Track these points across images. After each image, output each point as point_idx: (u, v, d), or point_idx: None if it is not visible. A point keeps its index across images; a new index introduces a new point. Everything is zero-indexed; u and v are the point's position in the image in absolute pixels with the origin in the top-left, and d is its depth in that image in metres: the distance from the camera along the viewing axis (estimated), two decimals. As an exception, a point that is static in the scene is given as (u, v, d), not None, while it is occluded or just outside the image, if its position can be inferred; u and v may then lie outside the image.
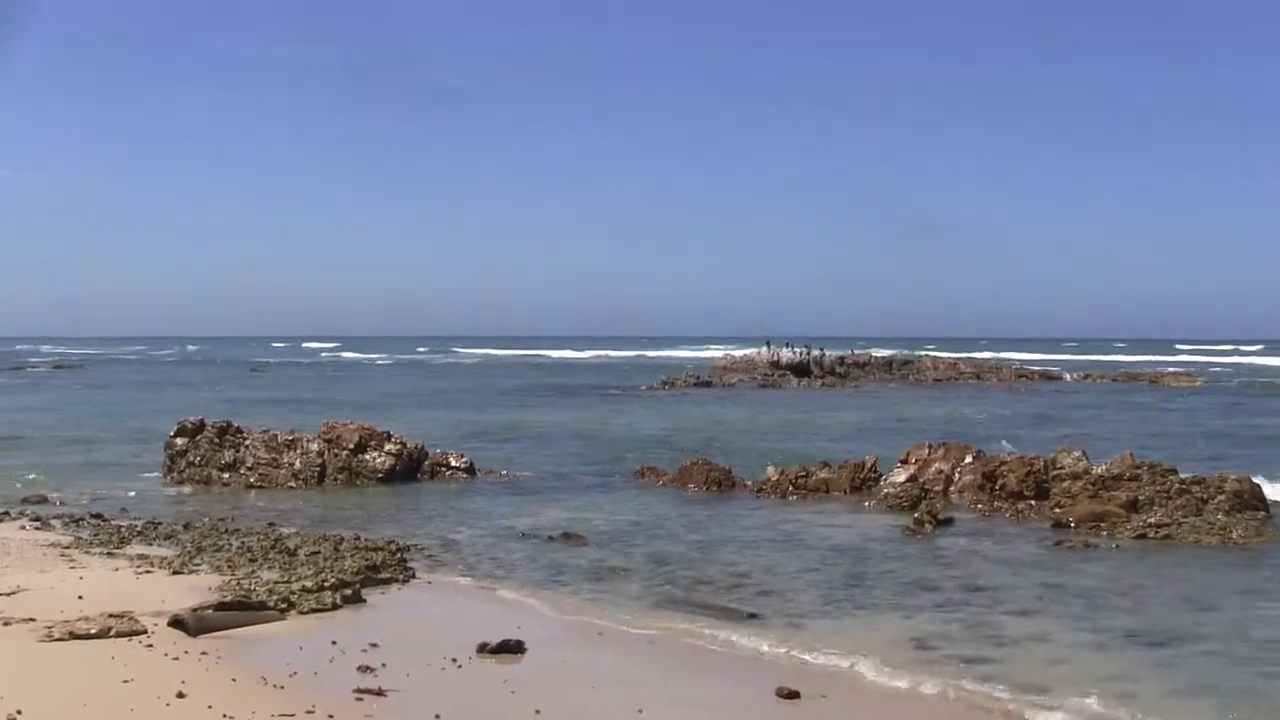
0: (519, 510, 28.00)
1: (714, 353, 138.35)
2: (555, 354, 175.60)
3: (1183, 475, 27.52)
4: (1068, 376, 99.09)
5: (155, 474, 33.53)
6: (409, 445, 33.85)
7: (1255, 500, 26.27)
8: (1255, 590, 19.96)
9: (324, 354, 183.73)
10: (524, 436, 45.92)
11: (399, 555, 21.80)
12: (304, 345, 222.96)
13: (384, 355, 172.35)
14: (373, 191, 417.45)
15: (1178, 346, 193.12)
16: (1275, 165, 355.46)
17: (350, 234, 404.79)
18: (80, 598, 17.44)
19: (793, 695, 13.86)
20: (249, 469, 32.75)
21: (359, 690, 13.48)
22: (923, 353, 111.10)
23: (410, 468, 33.38)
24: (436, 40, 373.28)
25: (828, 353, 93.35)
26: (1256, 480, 27.21)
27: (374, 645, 15.40)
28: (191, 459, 33.10)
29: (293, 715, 12.47)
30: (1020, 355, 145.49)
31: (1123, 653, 16.02)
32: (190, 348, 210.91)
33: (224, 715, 12.31)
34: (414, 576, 20.50)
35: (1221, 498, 26.00)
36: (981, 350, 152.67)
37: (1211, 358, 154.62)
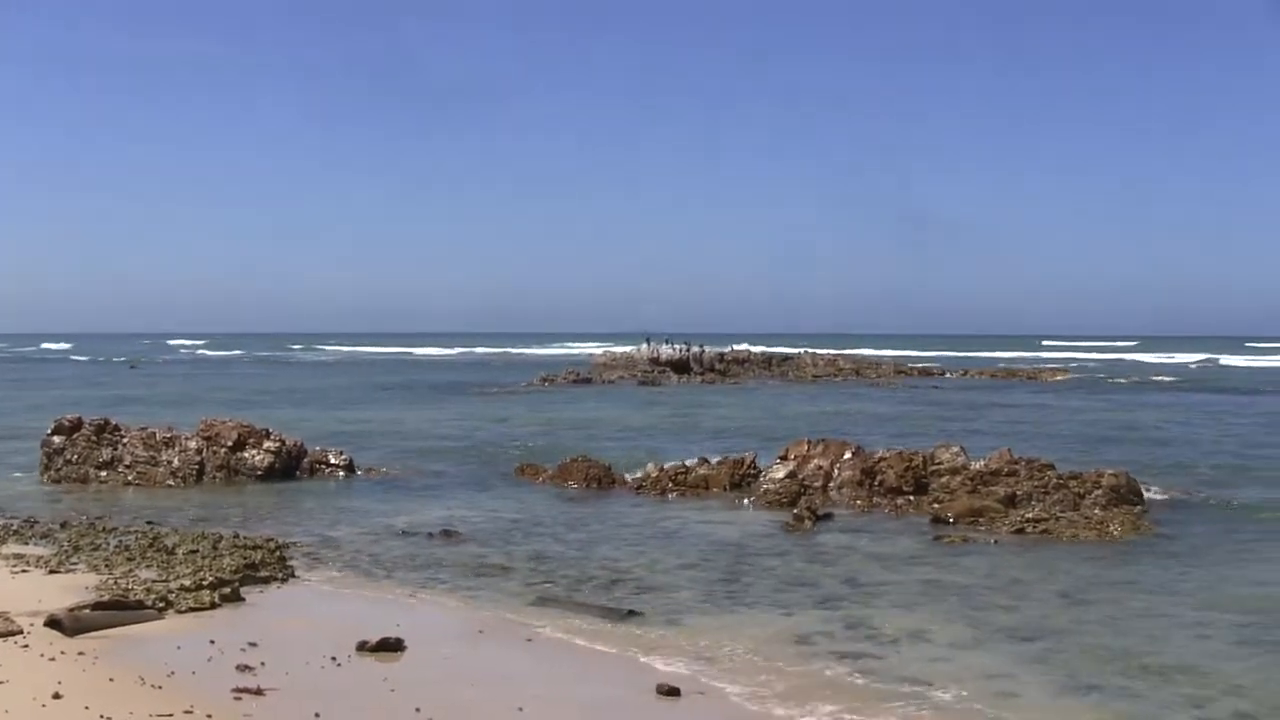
0: (398, 508, 27.86)
1: (576, 350, 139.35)
2: (420, 351, 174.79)
3: (1060, 470, 27.97)
4: (948, 374, 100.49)
5: (31, 473, 32.99)
6: (288, 443, 33.57)
7: (1132, 495, 26.74)
8: (1131, 583, 20.27)
9: (184, 350, 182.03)
10: (404, 434, 45.62)
11: (278, 553, 21.64)
12: (168, 342, 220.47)
13: (245, 351, 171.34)
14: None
15: (1044, 343, 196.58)
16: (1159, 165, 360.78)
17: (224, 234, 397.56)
18: (-49, 598, 17.17)
19: (673, 692, 13.90)
20: (127, 467, 32.31)
21: (238, 689, 13.36)
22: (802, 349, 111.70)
23: (289, 465, 33.10)
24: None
25: (707, 349, 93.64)
26: (1132, 475, 27.82)
27: (253, 644, 15.28)
28: (69, 457, 32.60)
29: (170, 715, 12.33)
30: (921, 352, 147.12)
31: (1001, 648, 16.21)
32: (52, 345, 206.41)
33: (101, 716, 12.14)
34: (293, 575, 20.36)
35: (1099, 492, 26.43)
36: (869, 347, 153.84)
37: (1085, 354, 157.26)
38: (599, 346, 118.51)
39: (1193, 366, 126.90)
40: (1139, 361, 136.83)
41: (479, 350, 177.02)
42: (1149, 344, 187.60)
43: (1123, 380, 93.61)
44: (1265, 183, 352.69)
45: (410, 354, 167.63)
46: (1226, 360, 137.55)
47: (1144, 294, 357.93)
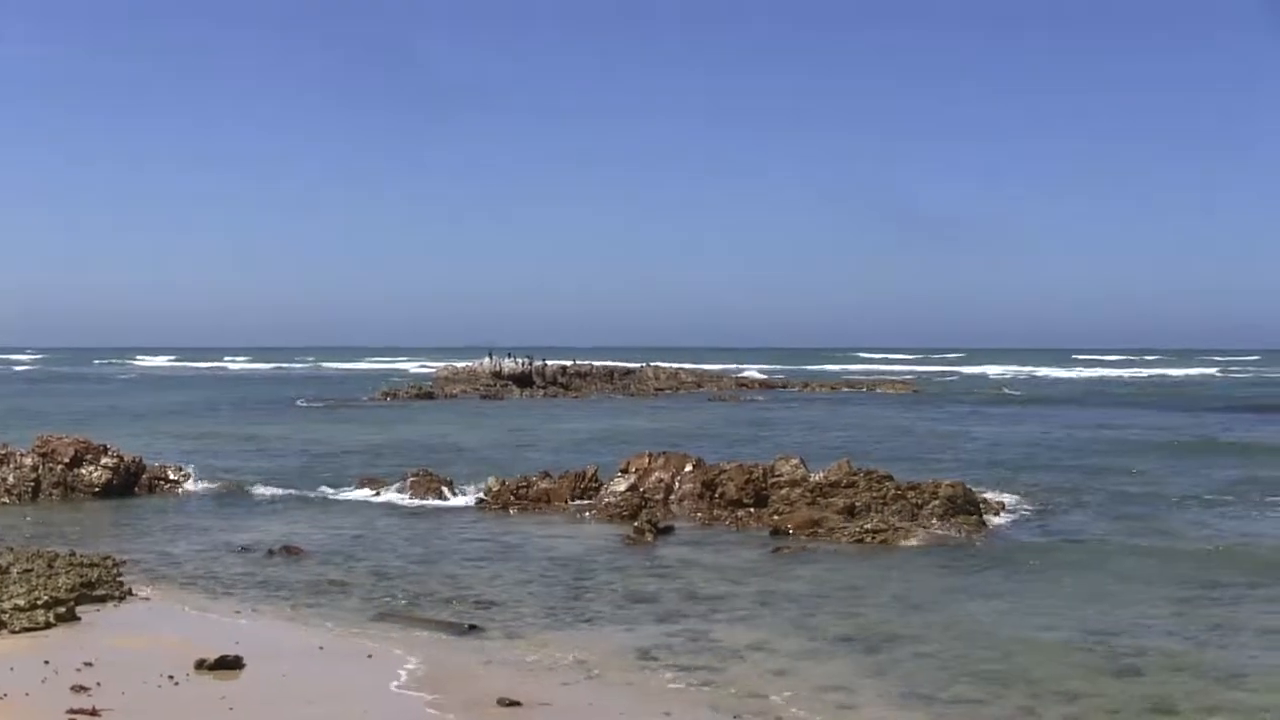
0: (239, 524, 27.59)
1: (410, 365, 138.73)
2: (234, 365, 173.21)
3: (898, 481, 28.45)
4: (789, 386, 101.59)
5: None
6: (127, 458, 33.07)
7: (968, 504, 27.27)
8: (967, 591, 20.70)
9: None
10: (244, 449, 45.14)
11: (115, 571, 21.31)
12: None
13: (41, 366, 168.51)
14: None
15: (861, 355, 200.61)
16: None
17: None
18: None
19: (513, 705, 13.96)
20: (-41, 486, 31.60)
21: (72, 711, 13.18)
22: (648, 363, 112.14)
23: (128, 481, 32.60)
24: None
25: (549, 363, 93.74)
26: (969, 485, 28.42)
27: (88, 664, 15.05)
28: (-103, 474, 31.82)
29: (2, 739, 12.19)
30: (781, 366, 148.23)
31: (840, 659, 16.43)
32: None
33: (-72, 741, 11.98)
34: (131, 593, 20.03)
35: (936, 503, 26.91)
36: (714, 361, 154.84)
37: (924, 366, 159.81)
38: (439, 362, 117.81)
39: (1022, 378, 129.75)
40: (971, 373, 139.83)
41: (295, 364, 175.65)
42: (975, 356, 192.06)
43: (964, 394, 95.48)
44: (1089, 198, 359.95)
45: (225, 368, 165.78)
46: (1049, 372, 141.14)
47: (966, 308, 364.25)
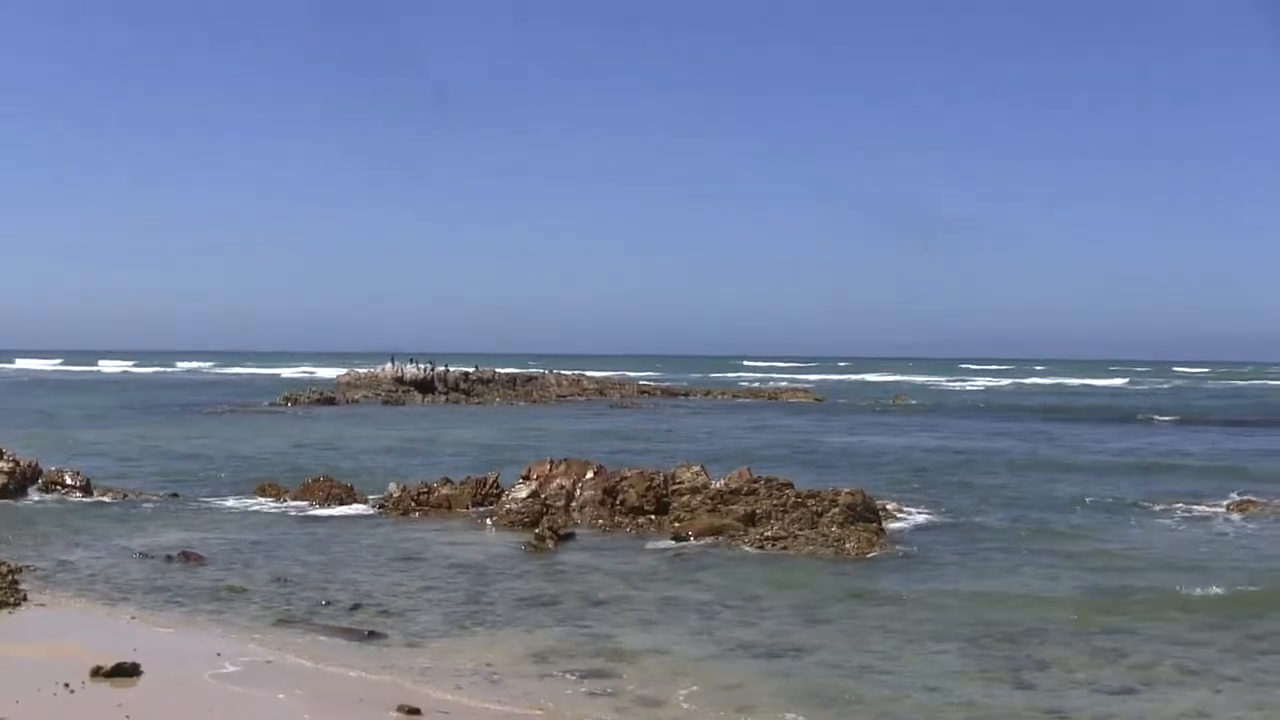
0: (136, 529, 27.31)
1: (312, 370, 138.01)
2: (110, 366, 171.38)
3: (799, 489, 28.65)
4: (691, 394, 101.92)
5: None
6: (21, 463, 32.66)
7: (868, 512, 27.50)
8: (866, 598, 20.87)
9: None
10: (142, 454, 44.70)
11: (10, 578, 20.98)
12: None
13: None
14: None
15: (746, 363, 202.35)
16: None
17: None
18: None
19: (414, 712, 13.96)
20: None
21: (-36, 719, 13.09)
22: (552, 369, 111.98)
23: (22, 486, 32.17)
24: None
25: (452, 369, 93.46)
26: (868, 493, 28.68)
27: (-20, 672, 14.95)
28: None
29: (-108, 748, 12.04)
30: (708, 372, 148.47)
31: (739, 664, 16.57)
32: None
33: None
34: (26, 599, 19.80)
35: (836, 510, 27.10)
36: (617, 368, 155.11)
37: (817, 375, 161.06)
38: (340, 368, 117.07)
39: (917, 388, 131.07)
40: (870, 382, 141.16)
41: (191, 366, 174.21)
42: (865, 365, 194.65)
43: (864, 402, 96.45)
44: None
45: (108, 371, 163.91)
46: (944, 382, 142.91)
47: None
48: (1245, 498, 32.79)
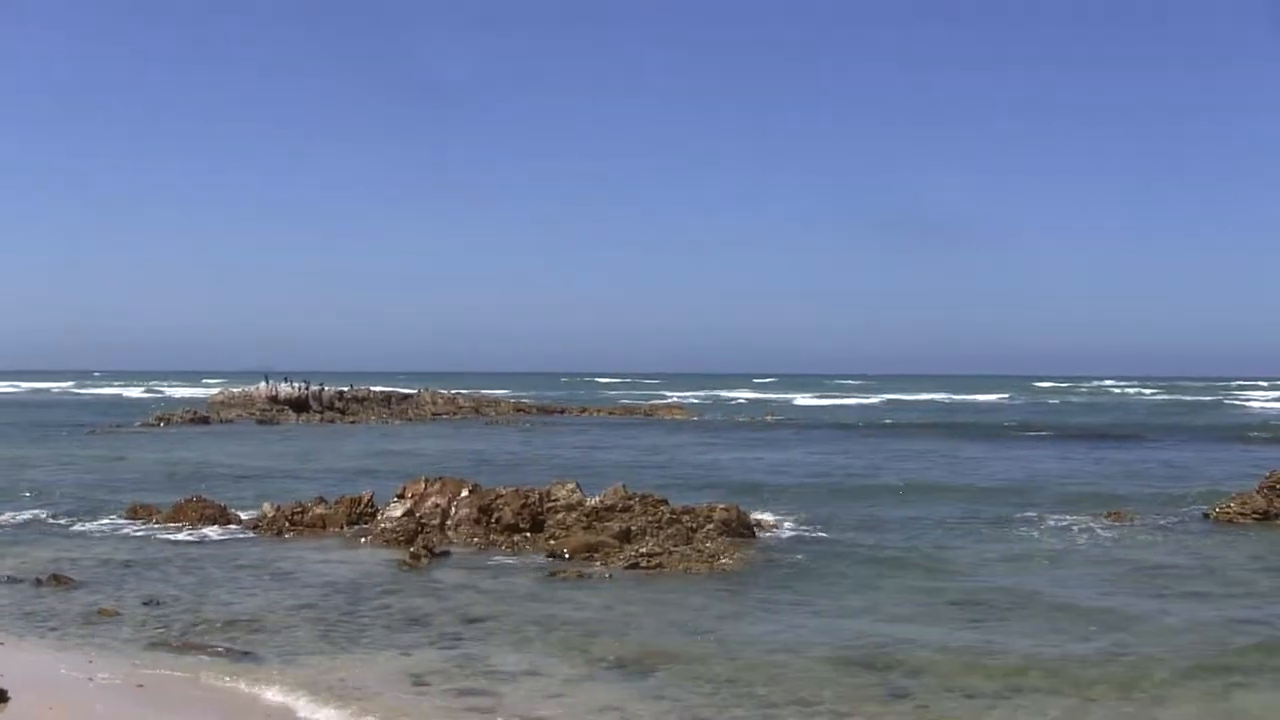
0: (3, 553, 26.85)
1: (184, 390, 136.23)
2: None
3: (674, 505, 28.88)
4: (566, 411, 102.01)
5: None
6: (-119, 486, 32.12)
7: (743, 528, 27.81)
8: (741, 614, 21.07)
9: None
10: (8, 474, 43.97)
11: None
12: None
13: None
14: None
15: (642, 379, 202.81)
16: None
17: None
18: None
19: (288, 733, 14.02)
20: None
21: None
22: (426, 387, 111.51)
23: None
24: None
25: (326, 388, 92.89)
26: (743, 508, 28.99)
27: None
28: None
29: None
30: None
31: (615, 682, 16.62)
32: None
33: None
34: (-113, 626, 19.57)
35: (710, 526, 27.36)
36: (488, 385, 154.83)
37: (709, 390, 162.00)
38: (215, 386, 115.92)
39: (788, 404, 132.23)
40: (745, 400, 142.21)
41: (51, 386, 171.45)
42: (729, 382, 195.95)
43: (741, 419, 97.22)
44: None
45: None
46: (813, 399, 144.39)
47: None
48: (1114, 510, 33.45)
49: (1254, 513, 32.79)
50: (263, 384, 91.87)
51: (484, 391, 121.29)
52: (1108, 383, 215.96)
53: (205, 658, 17.71)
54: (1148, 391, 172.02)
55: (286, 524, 30.20)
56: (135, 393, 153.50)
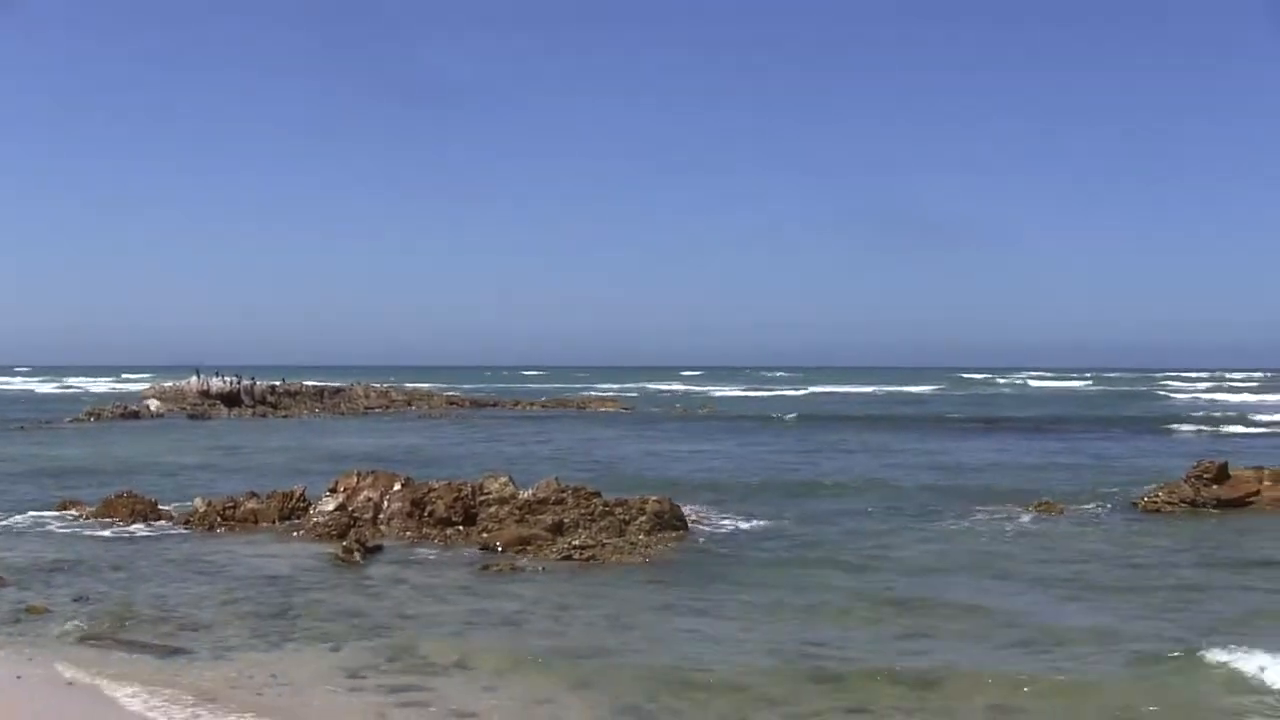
0: (-71, 551, 26.69)
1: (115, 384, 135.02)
2: None
3: (606, 498, 28.96)
4: (502, 404, 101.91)
5: None
6: None
7: (675, 520, 27.92)
8: (674, 605, 21.14)
9: None
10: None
11: None
12: None
13: None
14: None
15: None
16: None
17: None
18: None
19: (219, 728, 13.99)
20: None
21: None
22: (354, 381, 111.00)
23: None
24: None
25: (258, 382, 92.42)
26: (674, 500, 29.10)
27: None
28: None
29: None
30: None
31: (548, 674, 16.63)
32: None
33: None
34: None
35: (643, 519, 27.46)
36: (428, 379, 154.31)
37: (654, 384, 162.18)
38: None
39: (721, 396, 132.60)
40: (679, 391, 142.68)
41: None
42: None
43: (677, 409, 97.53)
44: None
45: None
46: (717, 391, 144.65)
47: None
48: (1043, 501, 33.75)
49: (1181, 501, 33.26)
50: (194, 378, 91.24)
51: (415, 385, 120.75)
52: (1032, 374, 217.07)
53: (136, 654, 17.62)
54: (1080, 384, 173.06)
55: (218, 519, 30.06)
56: (49, 388, 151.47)
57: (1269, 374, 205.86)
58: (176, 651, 17.73)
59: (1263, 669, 16.19)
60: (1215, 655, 16.86)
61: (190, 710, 14.83)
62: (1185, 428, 71.52)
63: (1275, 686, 15.70)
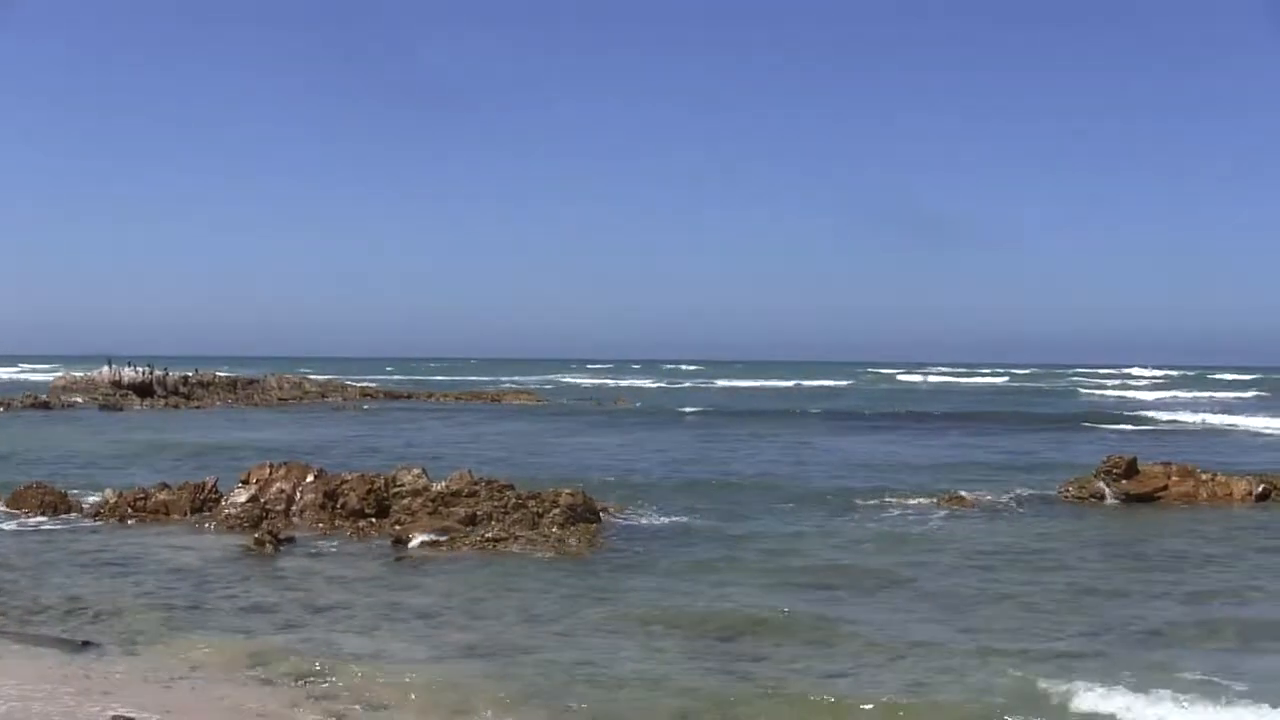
0: None
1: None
2: None
3: (519, 490, 29.01)
4: (416, 396, 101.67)
5: None
6: None
7: (589, 513, 27.98)
8: (585, 596, 21.25)
9: None
10: None
11: None
12: None
13: None
14: None
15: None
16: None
17: None
18: None
19: (129, 721, 13.94)
20: None
21: None
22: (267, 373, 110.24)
23: None
24: None
25: (171, 372, 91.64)
26: (588, 493, 29.20)
27: None
28: None
29: None
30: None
31: (460, 666, 16.71)
32: None
33: None
34: None
35: (556, 511, 27.50)
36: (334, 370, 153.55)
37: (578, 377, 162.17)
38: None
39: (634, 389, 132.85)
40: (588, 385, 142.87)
41: None
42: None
43: (591, 402, 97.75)
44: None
45: None
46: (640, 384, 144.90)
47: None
48: (950, 495, 34.13)
49: (1091, 495, 33.80)
50: (105, 369, 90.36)
51: (329, 376, 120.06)
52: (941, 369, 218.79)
53: (44, 648, 17.51)
54: (998, 380, 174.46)
55: (129, 510, 29.86)
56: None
57: (1177, 372, 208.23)
58: (86, 645, 17.63)
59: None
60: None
61: (99, 704, 14.75)
62: (1104, 426, 72.10)
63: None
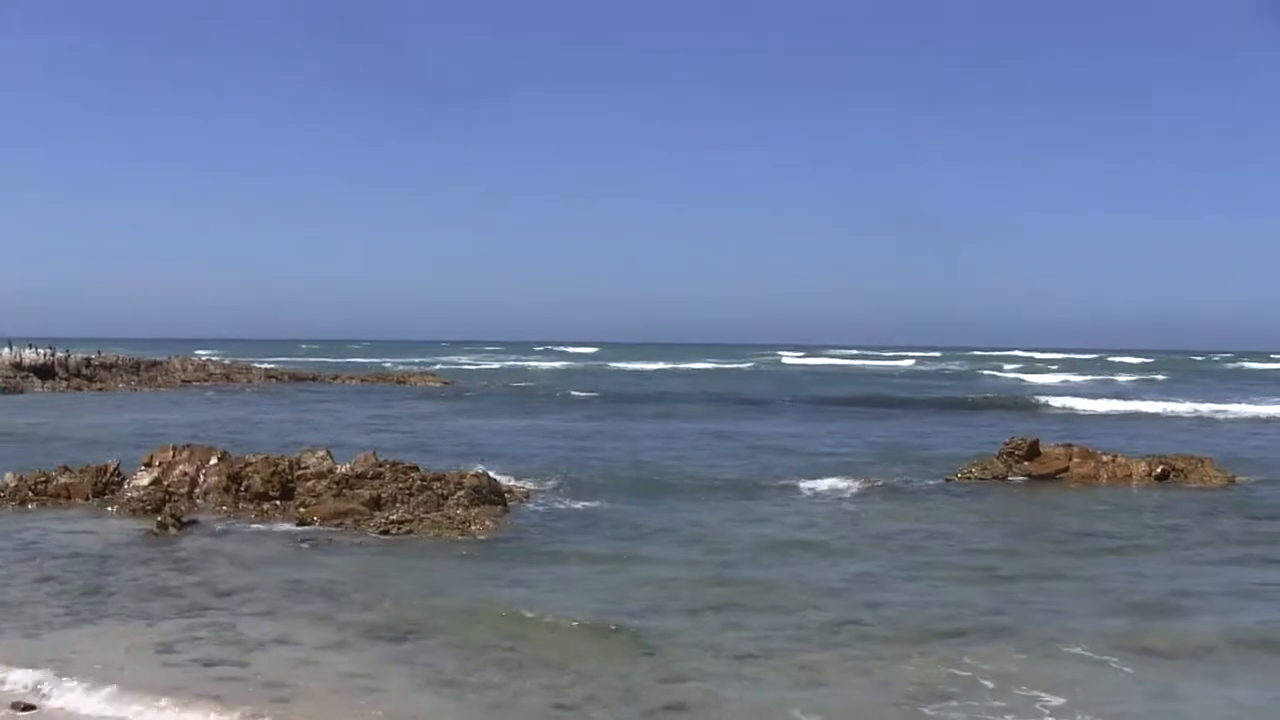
0: None
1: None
2: None
3: (424, 472, 29.01)
4: (321, 378, 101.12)
5: None
6: None
7: (493, 494, 28.02)
8: (490, 579, 21.29)
9: None
10: None
11: None
12: None
13: None
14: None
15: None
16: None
17: None
18: None
19: (28, 708, 13.76)
20: None
21: None
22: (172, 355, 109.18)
23: None
24: None
25: (74, 354, 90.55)
26: (493, 474, 29.24)
27: None
28: None
29: None
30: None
31: (366, 649, 16.70)
32: None
33: None
34: None
35: (461, 493, 27.53)
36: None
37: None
38: None
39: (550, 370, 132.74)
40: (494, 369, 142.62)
41: None
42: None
43: (498, 384, 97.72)
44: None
45: None
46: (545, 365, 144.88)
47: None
48: (864, 477, 34.45)
49: (994, 477, 34.33)
50: (5, 350, 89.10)
51: (234, 359, 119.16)
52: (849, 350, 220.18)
53: (-57, 632, 17.35)
54: (904, 364, 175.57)
55: (30, 494, 29.54)
56: None
57: (1074, 355, 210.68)
58: (-16, 630, 17.48)
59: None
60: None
61: (1, 691, 14.64)
62: (1007, 409, 72.76)
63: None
